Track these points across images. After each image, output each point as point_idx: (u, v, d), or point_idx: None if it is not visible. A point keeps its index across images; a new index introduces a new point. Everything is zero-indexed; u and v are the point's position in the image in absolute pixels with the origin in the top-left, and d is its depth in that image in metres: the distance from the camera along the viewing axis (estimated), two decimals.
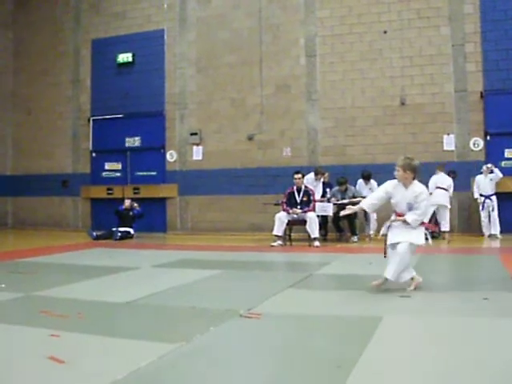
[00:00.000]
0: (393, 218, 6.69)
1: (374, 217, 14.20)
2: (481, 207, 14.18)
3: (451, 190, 14.19)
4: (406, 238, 6.48)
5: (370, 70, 15.70)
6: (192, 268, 9.18)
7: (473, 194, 14.42)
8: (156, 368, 3.83)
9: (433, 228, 6.98)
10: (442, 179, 14.22)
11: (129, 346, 4.38)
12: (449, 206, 14.12)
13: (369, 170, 14.56)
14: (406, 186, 6.57)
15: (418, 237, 6.55)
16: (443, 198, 14.07)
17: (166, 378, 3.70)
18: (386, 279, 6.55)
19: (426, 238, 6.68)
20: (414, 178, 6.59)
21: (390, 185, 6.68)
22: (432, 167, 14.67)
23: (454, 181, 14.29)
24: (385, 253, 6.65)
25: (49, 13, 19.69)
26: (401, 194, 6.56)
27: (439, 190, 14.07)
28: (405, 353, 4.17)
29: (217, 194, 17.05)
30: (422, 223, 6.65)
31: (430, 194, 14.03)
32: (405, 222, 6.50)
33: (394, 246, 6.58)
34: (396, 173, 6.55)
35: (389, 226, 6.69)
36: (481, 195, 14.17)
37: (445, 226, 14.08)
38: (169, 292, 6.91)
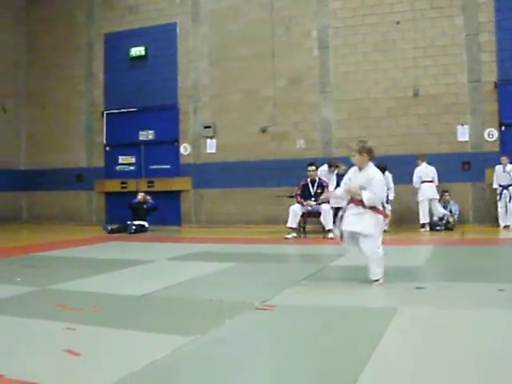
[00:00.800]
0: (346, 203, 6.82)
1: (388, 208, 14.19)
2: (498, 197, 14.12)
3: (436, 179, 14.18)
4: (359, 226, 6.51)
5: (383, 61, 15.62)
6: (207, 261, 9.20)
7: (487, 185, 14.37)
8: (171, 360, 3.85)
9: (386, 215, 6.94)
10: (426, 171, 14.19)
11: (144, 339, 4.40)
12: (437, 197, 14.18)
13: (384, 163, 14.46)
14: (360, 169, 6.68)
15: (370, 225, 6.53)
16: (431, 192, 14.12)
17: (181, 371, 3.72)
18: (376, 280, 6.53)
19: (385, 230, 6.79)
20: (370, 160, 6.68)
21: (350, 171, 6.87)
22: (446, 158, 14.65)
23: (467, 172, 14.23)
24: (341, 238, 6.75)
25: (62, 7, 19.73)
26: (355, 178, 6.69)
27: (426, 184, 14.09)
28: (420, 344, 4.16)
29: (231, 186, 17.05)
30: (378, 210, 6.64)
31: (417, 188, 14.13)
32: (361, 201, 6.51)
33: (351, 234, 6.63)
34: (353, 158, 6.66)
35: (341, 216, 6.74)
36: (499, 185, 14.11)
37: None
38: (184, 285, 6.93)
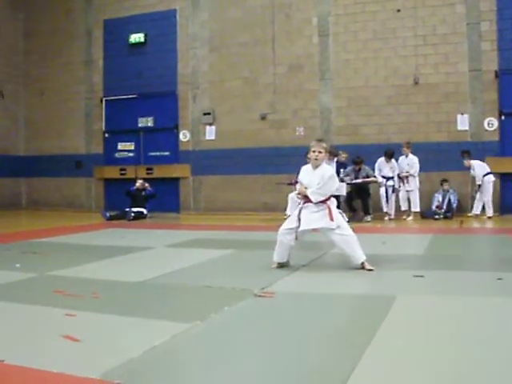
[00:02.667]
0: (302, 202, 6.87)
1: (394, 198, 14.28)
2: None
3: (417, 173, 14.25)
4: (323, 222, 6.62)
5: (383, 49, 15.57)
6: (206, 248, 9.21)
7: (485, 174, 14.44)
8: (171, 347, 3.85)
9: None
10: (411, 163, 14.30)
11: (143, 325, 4.40)
12: (416, 190, 14.29)
13: (392, 149, 14.45)
14: (314, 168, 6.80)
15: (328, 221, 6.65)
16: (413, 184, 14.24)
17: (180, 357, 3.72)
18: (362, 263, 6.61)
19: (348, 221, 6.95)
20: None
21: (302, 170, 7.01)
22: (446, 147, 14.65)
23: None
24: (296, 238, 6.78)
25: None
26: (308, 177, 6.79)
27: (410, 178, 14.22)
28: (418, 332, 4.16)
29: (230, 173, 17.04)
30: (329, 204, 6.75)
31: (401, 179, 14.17)
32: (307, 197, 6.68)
33: (304, 232, 6.75)
34: (317, 154, 6.71)
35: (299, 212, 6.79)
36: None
37: (415, 207, 14.27)
38: (183, 271, 6.94)
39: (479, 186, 14.05)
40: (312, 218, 6.63)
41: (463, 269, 6.83)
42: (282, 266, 6.84)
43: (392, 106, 15.44)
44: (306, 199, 6.71)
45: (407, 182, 14.22)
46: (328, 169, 6.85)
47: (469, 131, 14.84)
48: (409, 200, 14.30)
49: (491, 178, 14.03)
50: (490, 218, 13.85)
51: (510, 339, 3.91)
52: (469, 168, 14.11)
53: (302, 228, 6.65)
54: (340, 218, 6.75)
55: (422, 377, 3.24)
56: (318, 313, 4.84)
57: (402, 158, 14.42)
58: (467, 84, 14.85)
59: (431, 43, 15.12)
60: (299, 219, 6.68)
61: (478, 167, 14.01)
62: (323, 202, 6.66)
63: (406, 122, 15.25)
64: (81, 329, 4.25)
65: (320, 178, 6.63)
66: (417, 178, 14.23)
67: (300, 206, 6.84)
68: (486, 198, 14.00)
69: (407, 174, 14.19)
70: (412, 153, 14.24)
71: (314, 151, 6.70)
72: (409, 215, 14.25)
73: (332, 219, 6.58)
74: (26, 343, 3.95)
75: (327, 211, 6.61)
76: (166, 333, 4.08)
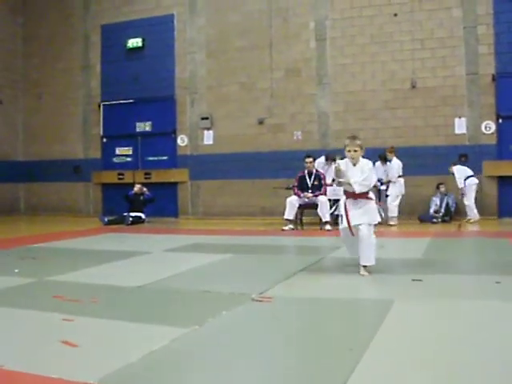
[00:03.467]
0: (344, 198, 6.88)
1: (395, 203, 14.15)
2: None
3: (394, 178, 14.17)
4: (363, 219, 6.63)
5: (380, 53, 15.60)
6: (204, 252, 9.21)
7: (484, 177, 14.48)
8: (169, 352, 3.86)
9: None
10: (388, 169, 14.36)
11: (142, 330, 4.41)
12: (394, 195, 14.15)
13: (385, 152, 14.48)
14: (355, 163, 6.77)
15: (374, 216, 6.76)
16: (392, 190, 14.14)
17: (178, 362, 3.72)
18: (365, 266, 6.66)
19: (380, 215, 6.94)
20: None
21: (342, 163, 6.84)
22: (443, 150, 14.68)
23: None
24: (352, 233, 6.72)
25: None
26: (351, 172, 6.71)
27: (390, 183, 14.22)
28: (417, 336, 4.17)
29: (228, 178, 17.05)
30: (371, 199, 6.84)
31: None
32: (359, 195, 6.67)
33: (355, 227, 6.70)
34: (352, 153, 6.71)
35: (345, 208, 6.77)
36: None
37: (391, 212, 14.07)
38: (181, 276, 6.94)
39: (462, 190, 14.04)
40: (358, 213, 6.65)
41: (461, 272, 6.84)
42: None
43: (389, 109, 15.47)
44: (351, 194, 6.69)
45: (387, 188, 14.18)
46: (367, 162, 6.84)
47: (466, 135, 14.86)
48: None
49: (473, 180, 14.03)
50: (470, 221, 13.85)
51: (508, 343, 3.92)
52: (453, 174, 14.11)
53: (353, 223, 6.62)
54: (376, 216, 6.85)
55: (420, 380, 3.25)
56: (317, 317, 4.85)
57: (378, 164, 14.46)
58: (464, 87, 14.88)
59: (428, 47, 15.14)
60: (347, 215, 6.66)
61: (458, 171, 14.02)
62: (366, 196, 6.71)
63: (404, 126, 15.27)
64: (79, 334, 4.26)
65: (361, 172, 6.65)
66: (398, 184, 14.12)
67: (343, 201, 6.87)
68: (467, 202, 13.99)
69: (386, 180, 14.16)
70: (397, 157, 14.19)
71: (349, 150, 6.71)
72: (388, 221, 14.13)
73: (375, 214, 6.75)
74: (24, 348, 3.95)
75: (369, 205, 6.72)
76: (165, 337, 4.09)
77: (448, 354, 3.69)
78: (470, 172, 14.08)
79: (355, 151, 6.68)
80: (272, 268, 7.44)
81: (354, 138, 6.87)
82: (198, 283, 6.36)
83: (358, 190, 6.59)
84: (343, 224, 6.76)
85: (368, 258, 6.63)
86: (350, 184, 6.60)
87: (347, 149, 6.73)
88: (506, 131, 14.59)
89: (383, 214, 6.49)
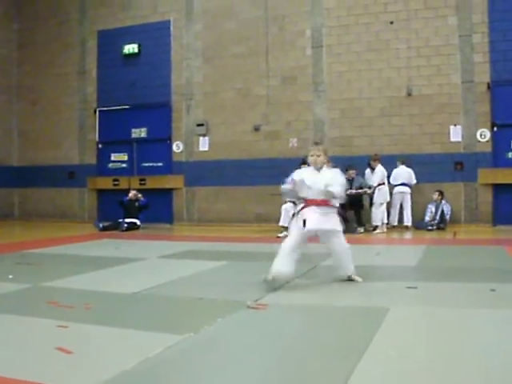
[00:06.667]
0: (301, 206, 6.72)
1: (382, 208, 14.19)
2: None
3: (375, 183, 14.21)
4: (329, 224, 6.56)
5: (376, 60, 15.63)
6: (199, 259, 9.20)
7: (479, 185, 14.53)
8: (164, 359, 3.84)
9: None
10: (402, 173, 14.46)
11: (136, 337, 4.40)
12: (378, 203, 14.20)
13: (370, 160, 14.59)
14: (318, 170, 6.67)
15: (338, 222, 6.68)
16: (377, 197, 14.20)
17: (173, 369, 3.71)
18: (350, 276, 6.68)
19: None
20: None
21: (302, 171, 6.81)
22: (439, 158, 14.73)
23: (460, 172, 14.33)
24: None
25: (54, 3, 19.65)
26: (315, 177, 6.59)
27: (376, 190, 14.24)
28: (411, 344, 4.17)
29: (223, 184, 17.04)
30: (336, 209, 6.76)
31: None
32: (324, 202, 6.55)
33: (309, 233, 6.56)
34: (315, 158, 6.61)
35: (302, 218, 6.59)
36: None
37: (374, 221, 14.23)
38: (176, 283, 6.93)
39: (371, 191, 14.17)
40: (321, 219, 6.49)
41: (456, 280, 6.84)
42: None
43: (385, 117, 15.49)
44: (314, 201, 6.53)
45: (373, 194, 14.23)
46: (337, 171, 6.81)
47: (462, 142, 14.89)
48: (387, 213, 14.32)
49: (400, 189, 14.31)
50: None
51: (503, 351, 3.92)
52: (373, 168, 14.34)
53: (309, 227, 6.42)
54: (340, 225, 6.75)
55: None
56: (311, 325, 4.85)
57: (368, 171, 14.57)
58: (460, 95, 14.92)
59: (424, 55, 15.18)
60: (304, 220, 6.48)
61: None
62: (329, 204, 6.59)
63: (399, 134, 15.29)
64: (73, 340, 4.24)
65: (328, 178, 6.51)
66: (381, 192, 14.14)
67: (299, 207, 6.70)
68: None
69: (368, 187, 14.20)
70: (382, 164, 14.23)
71: (312, 155, 6.64)
72: (374, 228, 14.17)
73: (338, 223, 6.63)
74: (18, 355, 3.93)
75: (334, 214, 6.61)
76: (160, 344, 4.08)
77: (443, 362, 3.68)
78: (403, 179, 14.28)
79: (318, 156, 6.59)
80: (267, 275, 7.42)
81: (317, 143, 6.97)
82: (193, 290, 6.35)
83: (337, 193, 6.48)
84: (298, 228, 6.51)
85: (348, 268, 6.66)
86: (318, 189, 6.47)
87: (310, 153, 6.67)
88: (501, 139, 14.62)
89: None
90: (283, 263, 6.33)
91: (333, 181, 6.49)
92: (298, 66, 16.43)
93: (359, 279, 6.68)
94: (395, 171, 14.46)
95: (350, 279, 6.68)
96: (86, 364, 3.74)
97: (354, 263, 6.71)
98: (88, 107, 19.02)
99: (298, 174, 6.66)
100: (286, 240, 6.56)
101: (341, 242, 6.65)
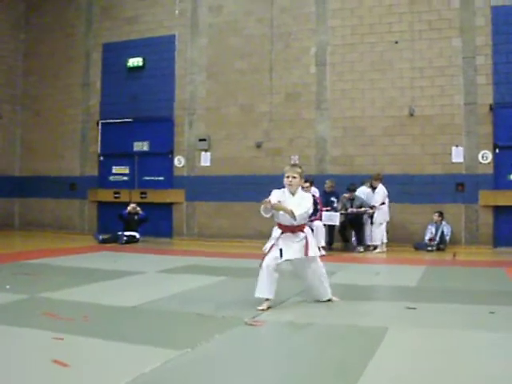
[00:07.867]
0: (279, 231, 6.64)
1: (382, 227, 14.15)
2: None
3: (378, 203, 14.22)
4: (298, 254, 6.47)
5: (380, 80, 15.66)
6: (198, 274, 9.18)
7: (480, 207, 14.50)
8: (160, 374, 3.82)
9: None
10: (370, 196, 14.50)
11: (133, 351, 4.37)
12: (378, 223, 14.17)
13: (371, 180, 14.62)
14: (292, 193, 6.59)
15: (314, 246, 6.62)
16: (378, 216, 14.19)
17: None
18: (330, 299, 6.66)
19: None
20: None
21: (276, 194, 6.69)
22: (440, 179, 14.72)
23: (461, 193, 14.34)
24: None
25: (61, 16, 19.76)
26: (287, 203, 6.49)
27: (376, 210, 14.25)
28: (410, 364, 4.14)
29: (224, 200, 17.01)
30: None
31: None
32: (297, 228, 6.50)
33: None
34: (291, 179, 6.53)
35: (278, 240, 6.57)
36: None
37: (373, 240, 14.21)
38: (174, 298, 6.91)
39: (373, 210, 14.19)
40: (296, 249, 6.46)
41: (456, 301, 6.81)
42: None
43: (387, 136, 15.49)
44: (288, 228, 6.53)
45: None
46: (308, 195, 6.79)
47: (463, 164, 14.88)
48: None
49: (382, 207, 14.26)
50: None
51: (502, 373, 3.90)
52: (374, 188, 14.40)
53: (285, 258, 6.40)
54: (316, 250, 6.69)
55: None
56: (310, 343, 4.82)
57: (369, 190, 14.61)
58: (462, 117, 14.93)
59: (427, 75, 15.21)
60: (280, 249, 6.45)
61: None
62: (302, 230, 6.53)
63: (401, 154, 15.29)
64: (70, 353, 4.22)
65: (299, 202, 6.45)
66: (382, 211, 14.15)
67: (277, 236, 6.62)
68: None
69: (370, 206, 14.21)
70: (383, 184, 14.25)
71: (287, 176, 6.54)
72: (375, 248, 14.14)
73: (309, 250, 6.48)
74: (14, 367, 3.91)
75: (305, 242, 6.49)
76: (156, 359, 4.06)
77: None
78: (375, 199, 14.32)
79: (294, 177, 6.50)
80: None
81: (294, 165, 6.85)
82: (192, 305, 6.33)
83: (298, 219, 6.36)
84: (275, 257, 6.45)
85: (327, 291, 6.65)
86: (288, 214, 6.38)
87: (286, 175, 6.56)
88: (503, 161, 14.62)
89: (322, 251, 6.41)
90: (264, 286, 6.28)
91: (300, 205, 6.42)
92: (301, 83, 16.46)
93: (337, 299, 6.69)
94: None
95: (329, 301, 6.64)
96: (82, 377, 3.72)
97: (353, 282, 6.70)
98: (91, 119, 19.04)
99: (275, 196, 6.57)
100: (266, 258, 6.49)
101: (318, 266, 6.63)
